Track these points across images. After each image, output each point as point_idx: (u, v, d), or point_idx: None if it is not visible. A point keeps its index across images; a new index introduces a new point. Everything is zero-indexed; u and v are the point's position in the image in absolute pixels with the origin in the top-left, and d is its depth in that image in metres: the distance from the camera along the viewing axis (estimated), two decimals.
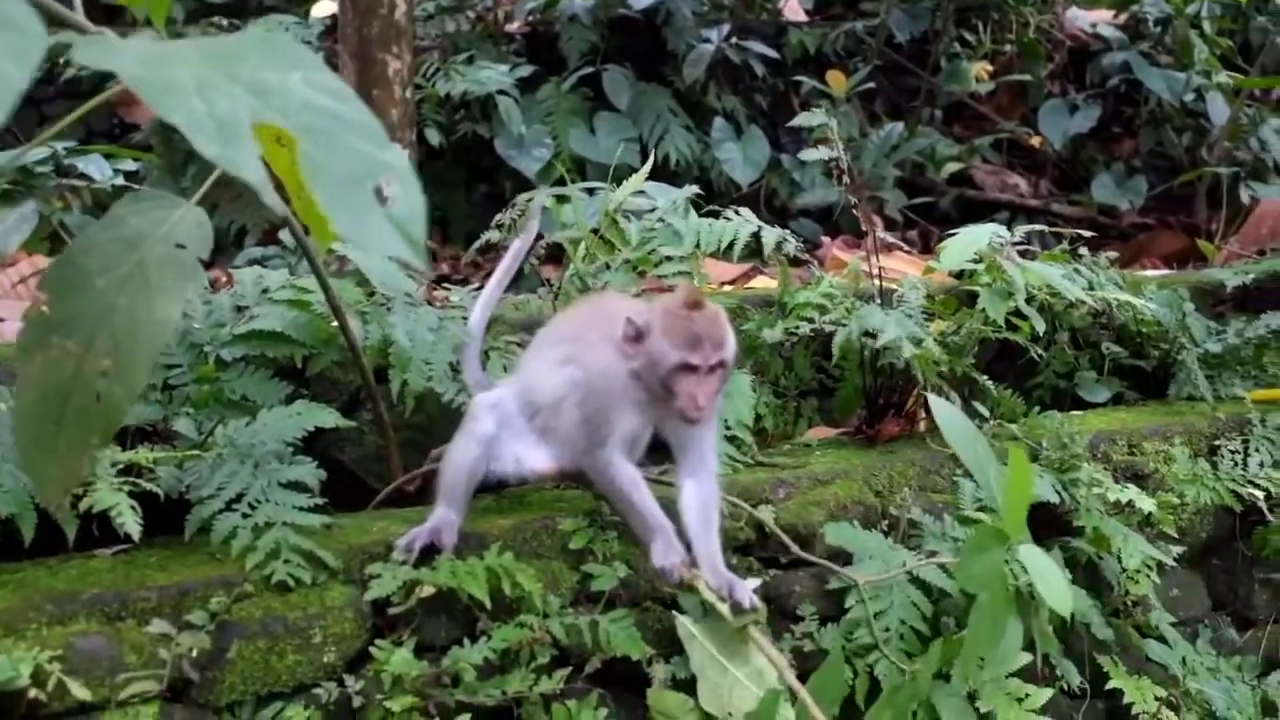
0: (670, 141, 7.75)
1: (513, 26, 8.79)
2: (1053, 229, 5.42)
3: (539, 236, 4.07)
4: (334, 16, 7.19)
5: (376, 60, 6.35)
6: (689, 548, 3.08)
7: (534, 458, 3.20)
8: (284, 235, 5.28)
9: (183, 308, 2.44)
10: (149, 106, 1.78)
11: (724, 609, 3.03)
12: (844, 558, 3.47)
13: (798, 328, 4.15)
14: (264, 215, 6.66)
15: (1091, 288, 4.51)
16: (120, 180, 5.84)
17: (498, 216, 4.22)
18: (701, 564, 3.08)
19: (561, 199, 4.36)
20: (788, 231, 4.32)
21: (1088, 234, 4.82)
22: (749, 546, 3.47)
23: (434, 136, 7.29)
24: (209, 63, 1.82)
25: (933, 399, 3.21)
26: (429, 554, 2.96)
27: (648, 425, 3.18)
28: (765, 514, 3.48)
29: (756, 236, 4.24)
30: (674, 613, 3.14)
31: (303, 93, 1.81)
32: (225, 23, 8.11)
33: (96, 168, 5.83)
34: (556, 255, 4.53)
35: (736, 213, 4.33)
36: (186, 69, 1.78)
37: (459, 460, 3.14)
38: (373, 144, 1.79)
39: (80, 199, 5.84)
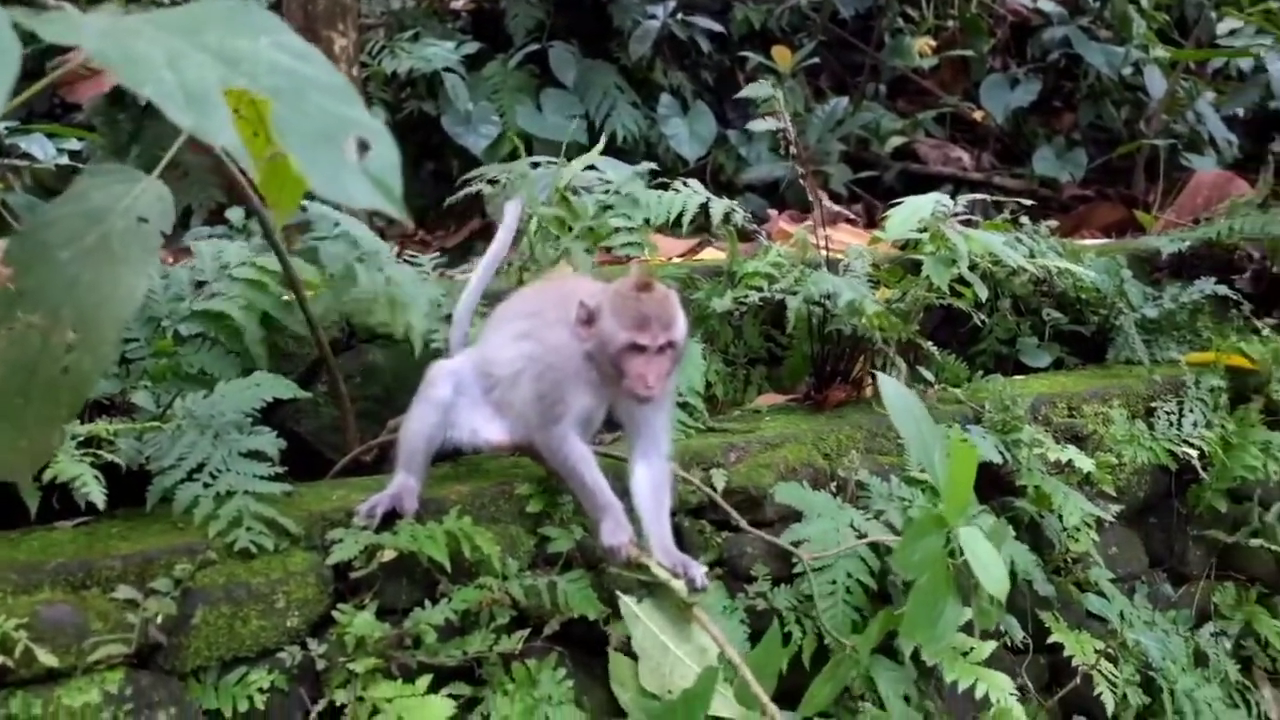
0: (617, 118, 7.80)
1: (458, 4, 8.82)
2: (995, 201, 5.53)
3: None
4: None
5: (322, 37, 6.37)
6: (639, 528, 3.14)
7: (489, 429, 3.25)
8: (231, 214, 5.28)
9: (148, 280, 2.47)
10: (119, 79, 1.80)
11: (679, 585, 3.10)
12: (795, 517, 3.55)
13: (746, 296, 4.23)
14: (210, 195, 6.64)
15: (1032, 256, 4.62)
16: (64, 160, 5.82)
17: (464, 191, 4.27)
18: (654, 544, 3.14)
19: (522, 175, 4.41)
20: (735, 202, 4.39)
21: (1028, 202, 4.92)
22: (702, 509, 3.54)
23: (380, 114, 7.29)
24: (174, 33, 1.84)
25: (882, 377, 3.27)
26: (390, 519, 3.01)
27: (601, 405, 3.22)
28: (717, 477, 3.55)
29: (705, 208, 4.31)
30: (617, 593, 3.18)
31: (270, 56, 1.84)
32: (168, 0, 8.05)
33: (39, 147, 5.79)
34: None
35: (685, 184, 4.39)
36: (153, 41, 1.81)
37: (417, 427, 3.18)
38: (342, 102, 1.82)
39: (21, 179, 5.81)
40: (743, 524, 3.51)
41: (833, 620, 3.39)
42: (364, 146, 1.77)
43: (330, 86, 1.84)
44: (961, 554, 3.09)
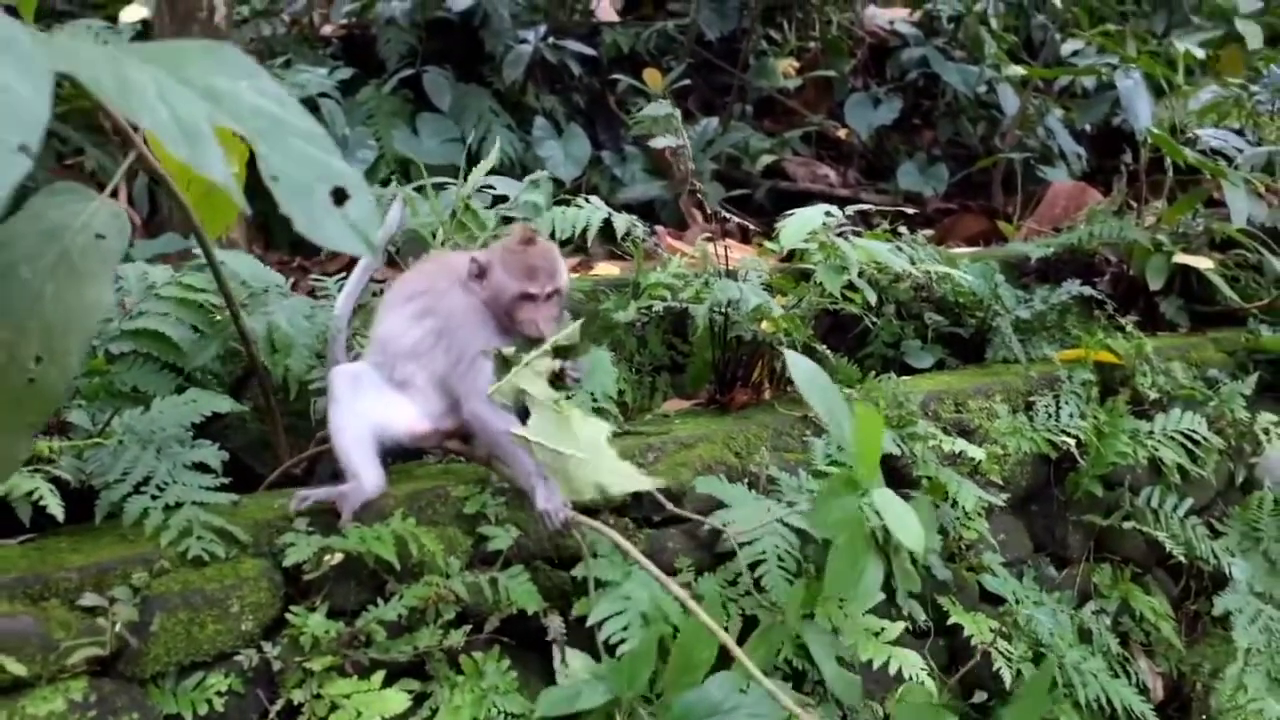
0: (493, 141, 7.87)
1: (328, 30, 8.81)
2: (862, 213, 5.79)
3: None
4: (145, 22, 7.12)
5: None
6: None
7: (409, 420, 3.35)
8: None
9: (110, 293, 2.53)
10: (113, 108, 1.88)
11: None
12: (714, 510, 3.70)
13: (650, 307, 4.40)
14: None
15: (913, 263, 4.87)
16: None
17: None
18: None
19: (410, 195, 4.52)
20: (635, 217, 4.55)
21: (911, 210, 5.19)
22: (624, 508, 3.67)
23: None
24: (158, 66, 1.93)
25: (790, 354, 3.43)
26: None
27: None
28: None
29: (608, 223, 4.47)
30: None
31: (251, 99, 1.94)
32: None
33: None
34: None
35: (587, 200, 4.55)
36: (141, 71, 1.89)
37: (343, 427, 3.24)
38: (322, 150, 1.94)
39: None
40: (669, 505, 3.63)
41: (770, 584, 3.53)
42: (342, 194, 1.89)
43: (309, 134, 1.95)
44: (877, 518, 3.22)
